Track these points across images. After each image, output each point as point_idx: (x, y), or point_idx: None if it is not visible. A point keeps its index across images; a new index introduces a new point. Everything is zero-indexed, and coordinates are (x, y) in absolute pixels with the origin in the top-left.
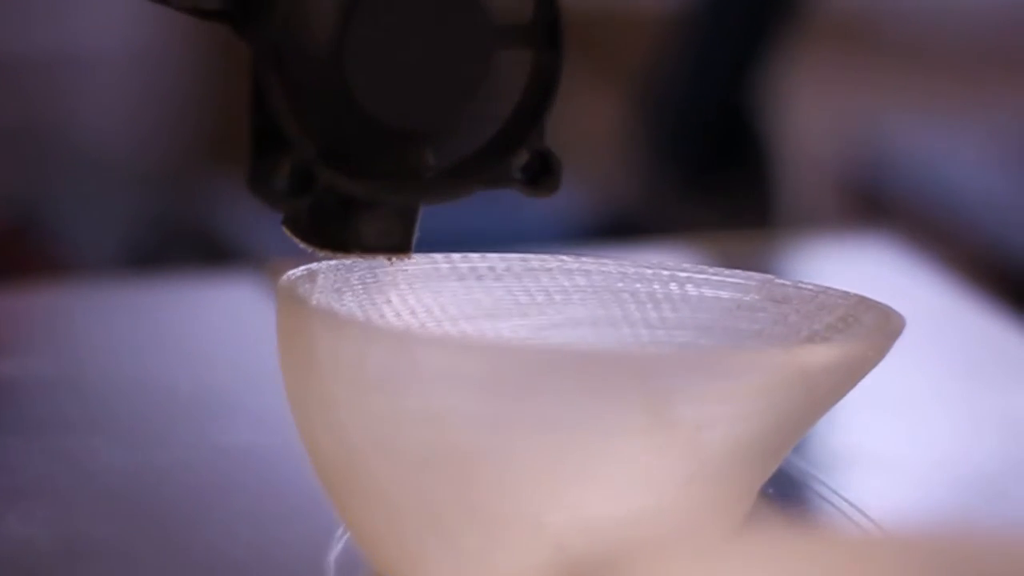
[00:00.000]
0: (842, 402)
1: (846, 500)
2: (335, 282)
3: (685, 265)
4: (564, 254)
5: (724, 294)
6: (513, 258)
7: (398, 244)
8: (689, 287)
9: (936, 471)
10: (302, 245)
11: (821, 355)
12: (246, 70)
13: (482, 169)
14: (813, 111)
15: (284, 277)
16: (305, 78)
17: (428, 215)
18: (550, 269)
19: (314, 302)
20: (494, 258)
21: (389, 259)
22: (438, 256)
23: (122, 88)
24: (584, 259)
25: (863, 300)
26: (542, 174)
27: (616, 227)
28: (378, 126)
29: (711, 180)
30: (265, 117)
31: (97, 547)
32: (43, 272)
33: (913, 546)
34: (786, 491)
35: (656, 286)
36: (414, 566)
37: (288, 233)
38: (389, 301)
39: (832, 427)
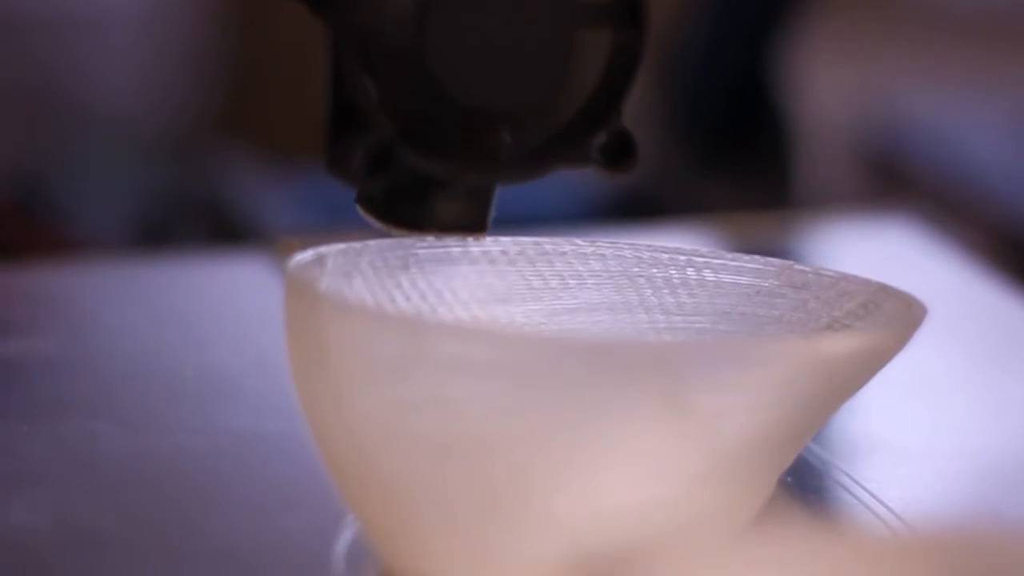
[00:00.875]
0: (865, 388)
1: (866, 489)
2: (345, 266)
3: (702, 250)
4: (578, 238)
5: (743, 280)
6: (526, 242)
7: (474, 224)
8: (707, 272)
9: (957, 459)
10: (377, 224)
11: (841, 343)
12: (263, 37)
13: (561, 149)
14: (830, 85)
15: (292, 261)
16: (385, 58)
17: None
18: (564, 253)
19: (323, 287)
20: (507, 242)
21: (465, 238)
22: (449, 240)
23: (133, 53)
24: (599, 243)
25: (884, 287)
26: (620, 154)
27: (632, 206)
28: (457, 106)
29: (729, 158)
30: (344, 97)
31: (100, 535)
32: (48, 248)
33: (934, 546)
34: (805, 480)
35: (673, 271)
36: (423, 556)
37: (362, 212)
38: (400, 285)
39: (852, 415)
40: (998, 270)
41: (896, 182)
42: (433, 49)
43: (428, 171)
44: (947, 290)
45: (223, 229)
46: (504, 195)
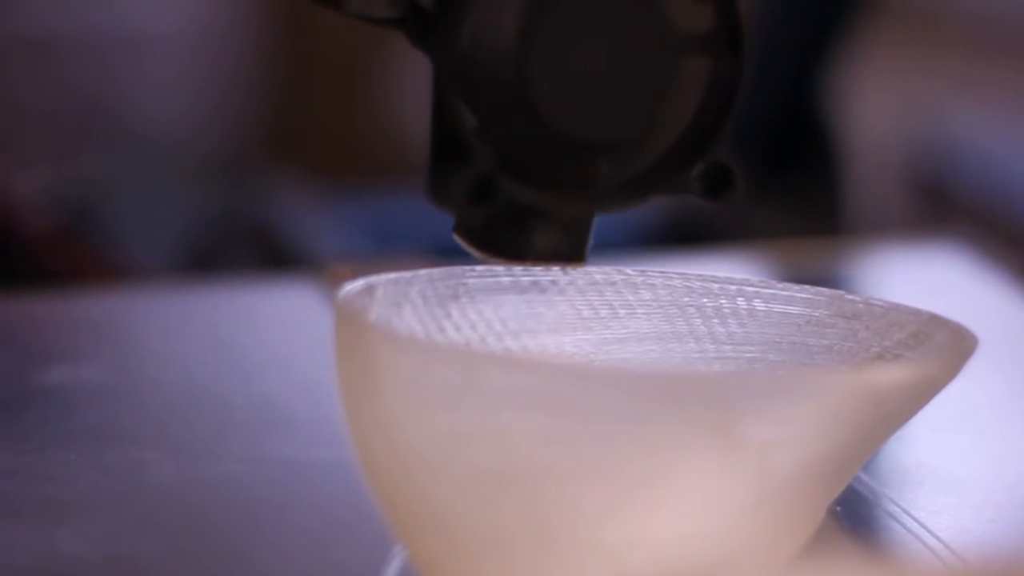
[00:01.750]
0: (915, 418)
1: (915, 519)
2: (395, 296)
3: (753, 280)
4: (628, 267)
5: (793, 309)
6: (576, 271)
7: (571, 253)
8: (757, 302)
9: (1006, 489)
10: (475, 253)
11: (891, 374)
12: (311, 61)
13: (659, 179)
14: (879, 108)
15: (342, 291)
16: (486, 89)
17: None
18: (614, 283)
19: (373, 317)
20: (556, 271)
21: (563, 268)
22: (499, 269)
23: (181, 77)
24: (649, 272)
25: (935, 318)
26: (720, 184)
27: (683, 233)
28: (557, 136)
29: (779, 184)
30: (445, 126)
31: (147, 564)
32: (95, 274)
33: None
34: (854, 510)
35: (723, 300)
36: None
37: (460, 241)
38: (449, 315)
39: (901, 444)
40: None
41: (946, 206)
42: (534, 80)
43: (528, 201)
44: (996, 318)
45: (271, 254)
46: None
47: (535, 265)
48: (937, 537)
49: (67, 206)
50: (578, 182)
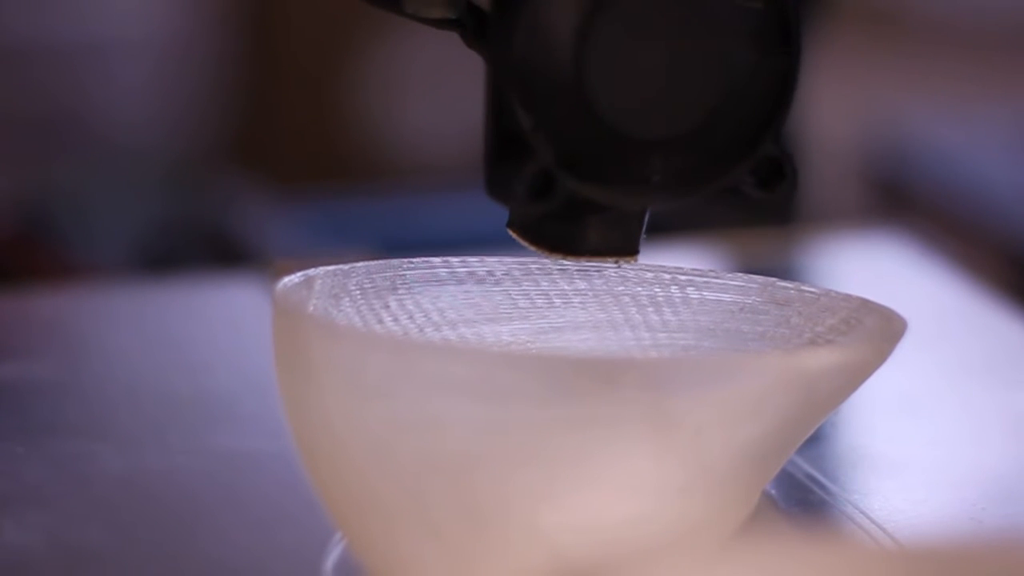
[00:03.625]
0: (848, 402)
1: (850, 501)
2: (333, 288)
3: (686, 268)
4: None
5: (726, 297)
6: (512, 262)
7: (625, 247)
8: (690, 290)
9: (944, 472)
10: (530, 248)
11: (821, 359)
12: (277, 64)
13: (714, 174)
14: (835, 103)
15: (280, 283)
16: (543, 88)
17: (426, 218)
18: (550, 273)
19: (311, 308)
20: (492, 262)
21: (616, 262)
22: (436, 260)
23: (147, 80)
24: (584, 262)
25: (865, 303)
26: (775, 179)
27: None
28: (613, 133)
29: None
30: (504, 123)
31: (93, 554)
32: (50, 275)
33: (918, 556)
34: (789, 492)
35: (657, 289)
36: (409, 570)
37: (515, 236)
38: (387, 306)
39: (835, 427)
40: (1002, 289)
41: (901, 200)
42: (590, 79)
43: (591, 197)
44: (937, 304)
45: (226, 257)
46: (491, 219)
47: (589, 259)
48: (870, 518)
49: (24, 209)
50: (634, 178)
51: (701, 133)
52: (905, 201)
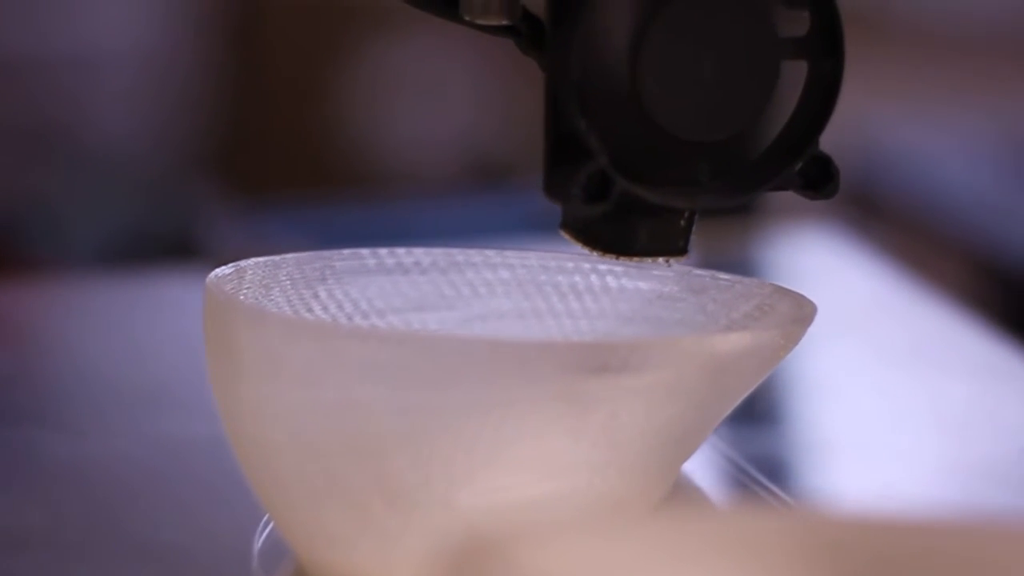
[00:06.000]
0: (775, 387)
1: (763, 482)
2: (263, 278)
3: (604, 258)
4: (488, 249)
5: (644, 285)
6: (437, 252)
7: (677, 247)
8: (609, 279)
9: (855, 449)
10: (583, 248)
11: (731, 342)
12: (260, 75)
13: (761, 175)
14: None
15: (213, 273)
16: (599, 94)
17: (409, 226)
18: (474, 263)
19: (242, 297)
20: (419, 253)
21: (667, 261)
22: (365, 252)
23: (129, 91)
24: (507, 253)
25: (778, 289)
26: (820, 178)
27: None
28: (666, 137)
29: None
30: (561, 126)
31: (28, 533)
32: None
33: (803, 526)
34: (707, 472)
35: (577, 277)
36: (334, 550)
37: (567, 237)
38: (317, 296)
39: (755, 406)
40: (961, 292)
41: (867, 206)
42: (645, 84)
43: (646, 198)
44: (870, 296)
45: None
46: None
47: (640, 259)
48: (786, 496)
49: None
50: (685, 179)
51: (750, 135)
52: (871, 204)
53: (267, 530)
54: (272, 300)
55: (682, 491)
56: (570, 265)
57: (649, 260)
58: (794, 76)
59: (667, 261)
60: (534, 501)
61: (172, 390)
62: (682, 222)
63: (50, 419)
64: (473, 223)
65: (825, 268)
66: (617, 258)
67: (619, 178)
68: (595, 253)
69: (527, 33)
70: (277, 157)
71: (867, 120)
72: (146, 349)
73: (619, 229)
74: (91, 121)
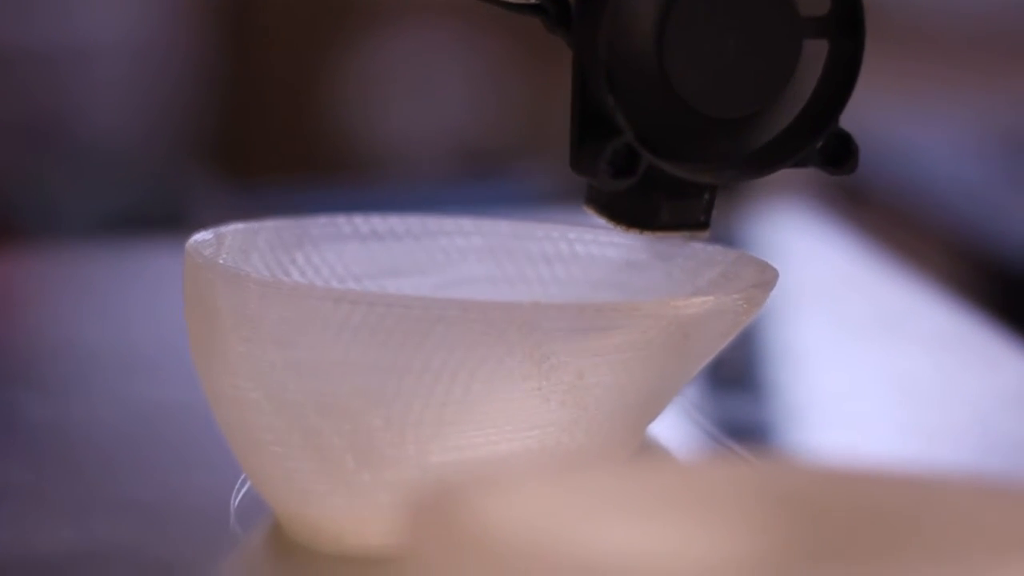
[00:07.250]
0: (745, 355)
1: (726, 442)
2: (242, 243)
3: (574, 226)
4: (462, 217)
5: (612, 253)
6: (412, 220)
7: (699, 222)
8: (579, 247)
9: (829, 422)
10: (607, 223)
11: (695, 306)
12: (254, 67)
13: (783, 152)
14: None
15: (192, 239)
16: (627, 70)
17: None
18: (448, 231)
19: (221, 262)
20: (394, 220)
21: (691, 236)
22: (341, 219)
23: (123, 83)
24: (480, 221)
25: (742, 255)
26: (841, 155)
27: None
28: (691, 113)
29: None
30: (588, 103)
31: (15, 490)
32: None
33: (759, 477)
34: (675, 432)
35: (547, 245)
36: (308, 505)
37: (592, 212)
38: (294, 261)
39: (722, 368)
40: (947, 280)
41: (854, 193)
42: (670, 61)
43: (673, 174)
44: (837, 271)
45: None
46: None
47: (664, 234)
48: (748, 454)
49: None
50: (709, 155)
51: (773, 112)
52: (856, 191)
53: (244, 488)
54: (251, 264)
55: (649, 452)
56: (540, 233)
57: (672, 234)
58: (816, 55)
59: (691, 236)
60: (503, 459)
61: (150, 355)
62: (705, 197)
63: (31, 384)
64: (464, 214)
65: (802, 246)
66: (641, 232)
67: (645, 153)
68: (619, 228)
69: (554, 11)
70: (270, 148)
71: (855, 110)
72: (130, 317)
73: (644, 205)
74: (85, 111)
